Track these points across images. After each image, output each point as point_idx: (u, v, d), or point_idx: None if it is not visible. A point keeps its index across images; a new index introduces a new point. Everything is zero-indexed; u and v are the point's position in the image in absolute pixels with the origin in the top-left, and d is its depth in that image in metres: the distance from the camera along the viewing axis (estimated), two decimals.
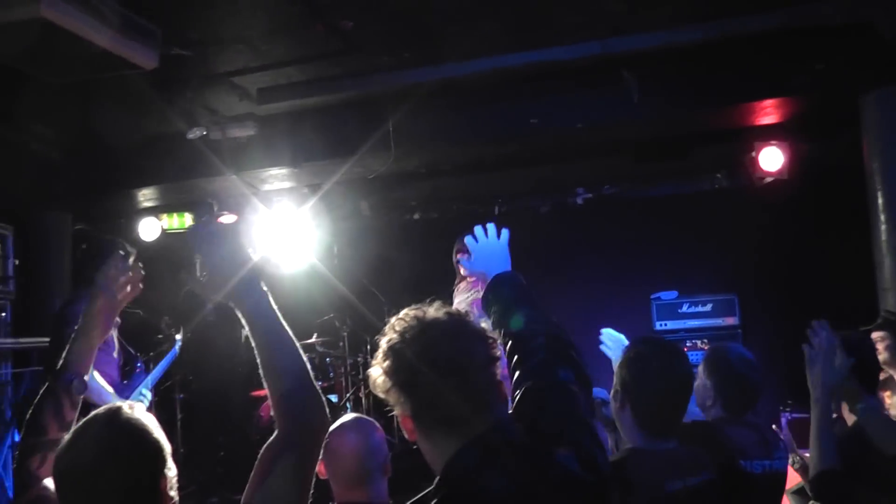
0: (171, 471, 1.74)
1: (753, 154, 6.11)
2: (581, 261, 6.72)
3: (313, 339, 6.62)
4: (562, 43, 4.79)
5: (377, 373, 1.64)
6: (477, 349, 1.62)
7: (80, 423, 1.75)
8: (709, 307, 6.78)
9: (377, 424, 2.64)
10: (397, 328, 1.65)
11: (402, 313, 1.68)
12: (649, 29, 4.70)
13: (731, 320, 6.72)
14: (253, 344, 1.66)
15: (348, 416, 2.66)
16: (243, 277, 1.66)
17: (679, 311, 6.79)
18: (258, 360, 1.65)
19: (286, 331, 1.67)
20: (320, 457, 1.85)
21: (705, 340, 6.58)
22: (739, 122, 5.75)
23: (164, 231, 7.29)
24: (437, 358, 1.59)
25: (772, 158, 6.07)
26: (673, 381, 2.29)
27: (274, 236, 6.82)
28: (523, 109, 5.42)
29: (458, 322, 1.66)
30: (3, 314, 5.44)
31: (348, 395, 6.37)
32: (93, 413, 1.77)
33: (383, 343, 1.65)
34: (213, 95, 5.39)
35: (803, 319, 5.91)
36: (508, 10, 4.43)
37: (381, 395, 1.65)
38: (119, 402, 1.80)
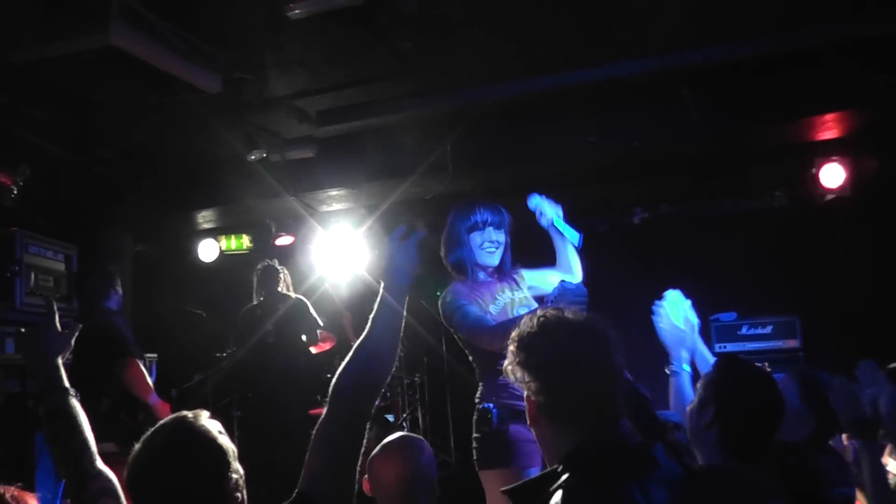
0: (236, 473, 1.81)
1: (814, 170, 6.01)
2: (638, 281, 6.62)
3: None
4: (619, 59, 4.79)
5: (511, 360, 1.82)
6: (612, 352, 1.77)
7: (150, 431, 1.84)
8: (769, 329, 6.61)
9: (425, 444, 2.60)
10: (539, 323, 1.82)
11: (542, 311, 1.86)
12: (707, 43, 4.68)
13: (792, 343, 6.54)
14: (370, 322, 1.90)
15: (395, 436, 2.62)
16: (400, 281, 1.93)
17: (739, 332, 6.62)
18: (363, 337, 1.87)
19: (391, 332, 1.89)
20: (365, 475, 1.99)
21: (766, 363, 6.43)
22: (799, 137, 5.66)
23: (222, 252, 7.43)
24: (578, 356, 1.75)
25: (833, 175, 5.96)
26: (771, 406, 2.25)
27: (331, 257, 6.90)
28: (580, 128, 5.41)
29: (597, 325, 1.81)
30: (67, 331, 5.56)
31: (405, 414, 6.37)
32: (161, 422, 1.87)
33: (523, 335, 1.82)
34: (272, 118, 5.49)
35: (867, 342, 5.74)
36: (565, 28, 4.45)
37: (512, 381, 1.83)
38: (184, 412, 1.89)
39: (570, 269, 3.73)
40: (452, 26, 4.29)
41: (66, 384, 2.30)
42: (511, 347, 1.85)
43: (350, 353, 1.84)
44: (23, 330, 2.44)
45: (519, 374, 1.81)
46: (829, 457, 2.65)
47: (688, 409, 2.34)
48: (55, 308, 2.51)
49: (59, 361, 2.37)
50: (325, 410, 1.80)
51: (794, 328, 6.51)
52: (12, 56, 4.10)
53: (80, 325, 2.53)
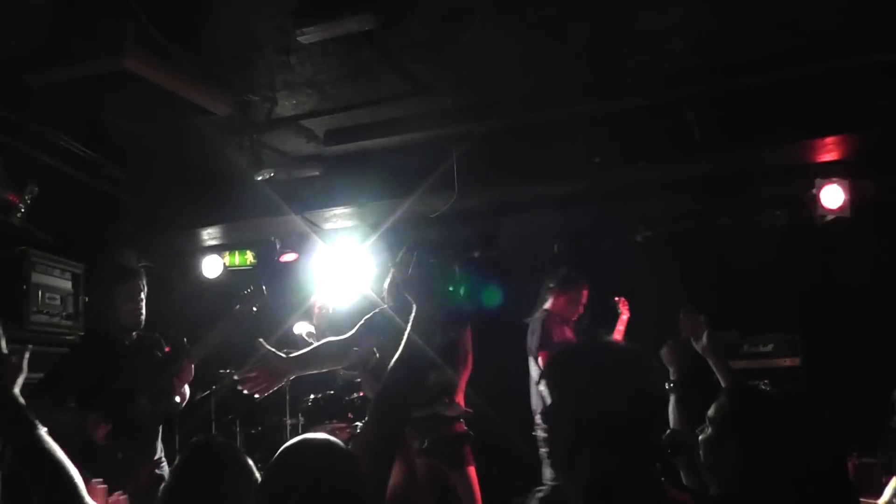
0: None
1: (814, 191, 6.05)
2: (640, 299, 6.66)
3: None
4: (625, 82, 4.84)
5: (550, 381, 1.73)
6: (654, 384, 1.68)
7: (180, 457, 1.87)
8: (770, 347, 6.57)
9: None
10: (579, 346, 1.82)
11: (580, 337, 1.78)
12: (712, 67, 4.74)
13: (793, 361, 6.53)
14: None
15: None
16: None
17: (739, 351, 6.60)
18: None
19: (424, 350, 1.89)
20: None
21: (766, 382, 6.41)
22: (800, 159, 5.73)
23: (226, 268, 7.44)
24: (616, 385, 1.62)
25: (833, 196, 6.00)
26: (787, 430, 2.29)
27: (334, 273, 6.91)
28: (586, 148, 5.46)
29: (639, 352, 1.72)
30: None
31: None
32: (189, 446, 1.88)
33: (565, 353, 1.78)
34: (280, 137, 5.51)
35: (867, 361, 5.76)
36: (573, 51, 4.51)
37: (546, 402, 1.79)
38: (199, 438, 1.93)
39: None
40: (462, 49, 4.32)
41: (31, 417, 2.00)
42: (551, 369, 1.77)
43: (391, 365, 1.88)
44: None
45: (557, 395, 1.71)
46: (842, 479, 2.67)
47: (701, 439, 2.36)
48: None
49: (17, 391, 2.08)
50: (366, 419, 1.84)
51: (796, 346, 6.49)
52: (24, 77, 4.12)
53: (31, 347, 2.26)
